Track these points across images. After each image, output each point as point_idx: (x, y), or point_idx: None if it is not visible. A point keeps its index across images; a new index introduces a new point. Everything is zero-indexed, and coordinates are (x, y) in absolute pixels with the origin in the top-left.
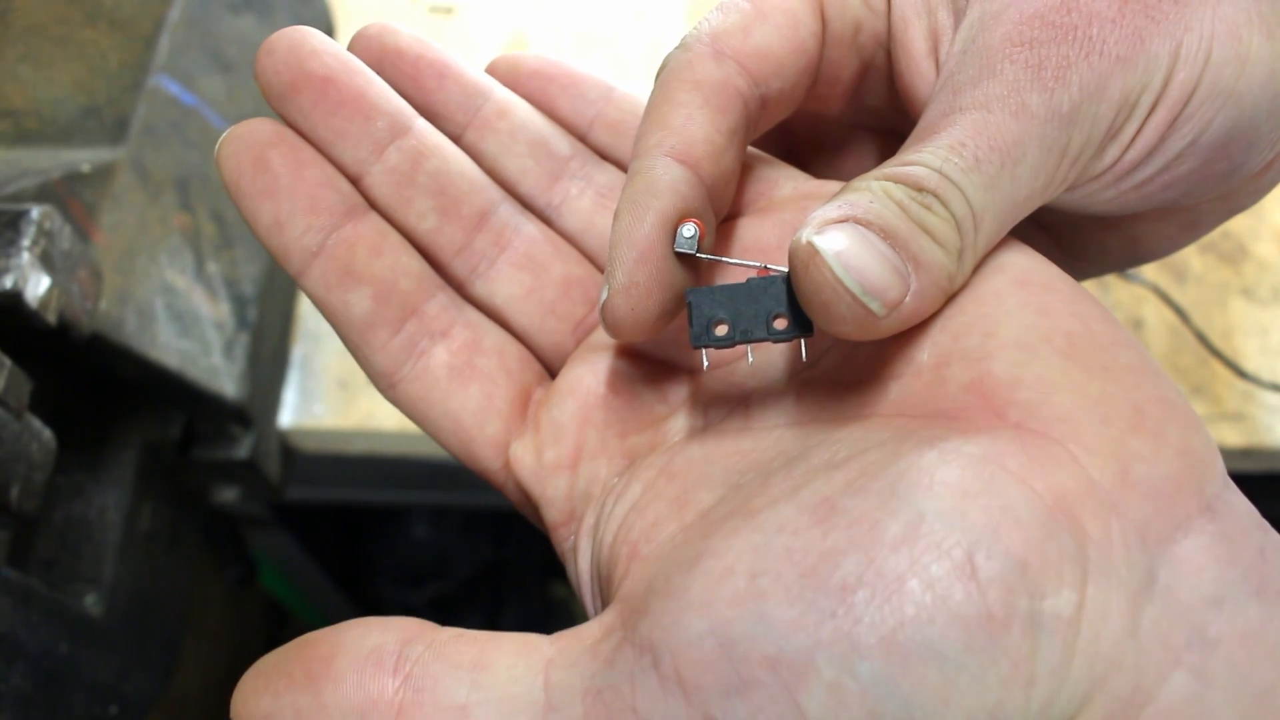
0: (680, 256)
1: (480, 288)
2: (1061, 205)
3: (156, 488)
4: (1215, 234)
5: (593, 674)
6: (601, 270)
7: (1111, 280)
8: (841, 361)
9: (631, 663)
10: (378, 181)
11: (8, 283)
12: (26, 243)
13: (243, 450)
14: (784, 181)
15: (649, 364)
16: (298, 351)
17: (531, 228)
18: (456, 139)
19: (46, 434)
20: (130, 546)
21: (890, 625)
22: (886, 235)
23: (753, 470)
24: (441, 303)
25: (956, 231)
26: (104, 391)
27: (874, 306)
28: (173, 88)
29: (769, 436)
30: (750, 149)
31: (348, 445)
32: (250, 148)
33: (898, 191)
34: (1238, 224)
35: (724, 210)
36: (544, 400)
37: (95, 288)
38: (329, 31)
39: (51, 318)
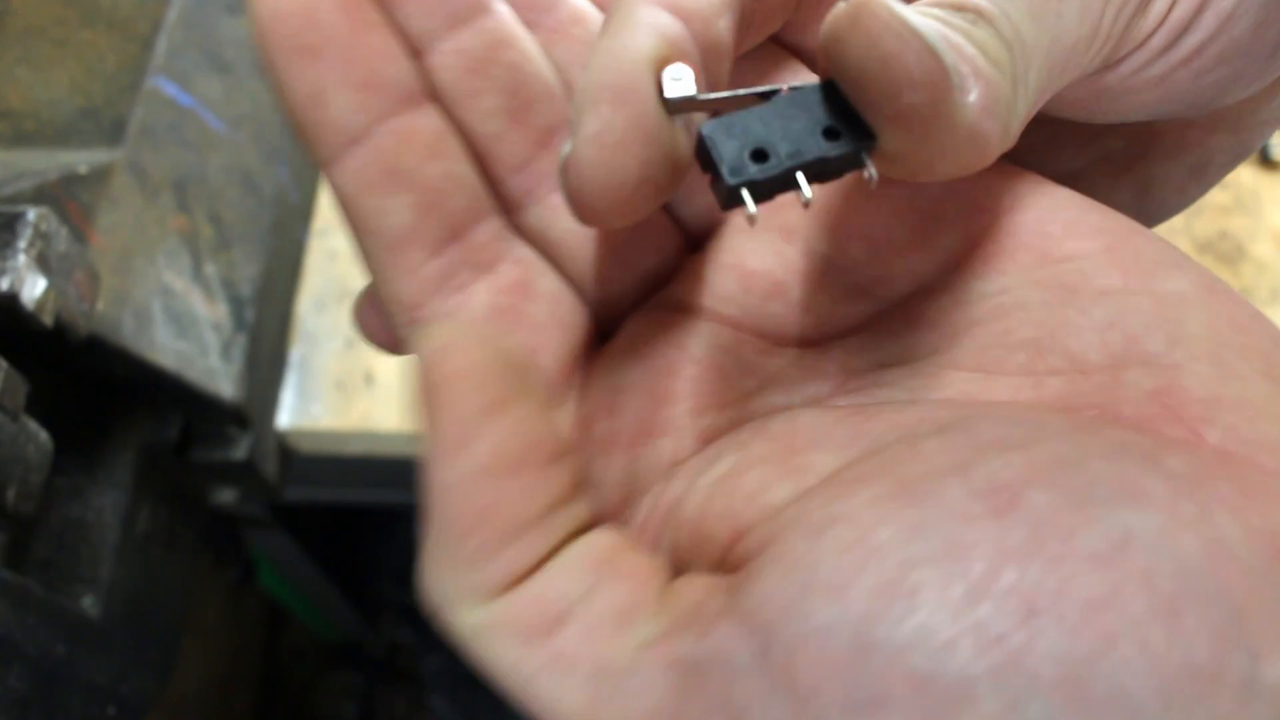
0: (670, 108)
1: (534, 215)
2: (1108, 105)
3: (154, 489)
4: (1214, 235)
5: (684, 641)
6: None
7: None
8: (980, 353)
9: (734, 642)
10: (444, 63)
11: (4, 285)
12: (23, 244)
13: (240, 451)
14: None
15: (730, 330)
16: (295, 352)
17: None
18: None
19: (43, 436)
20: (128, 548)
21: (1075, 661)
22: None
23: (893, 433)
24: (492, 230)
25: (1008, 52)
26: (101, 393)
27: (949, 60)
28: (170, 89)
29: (901, 407)
30: None
31: (346, 446)
32: None
33: (936, 11)
34: (1236, 225)
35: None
36: (598, 362)
37: (92, 289)
38: None
39: (48, 320)
